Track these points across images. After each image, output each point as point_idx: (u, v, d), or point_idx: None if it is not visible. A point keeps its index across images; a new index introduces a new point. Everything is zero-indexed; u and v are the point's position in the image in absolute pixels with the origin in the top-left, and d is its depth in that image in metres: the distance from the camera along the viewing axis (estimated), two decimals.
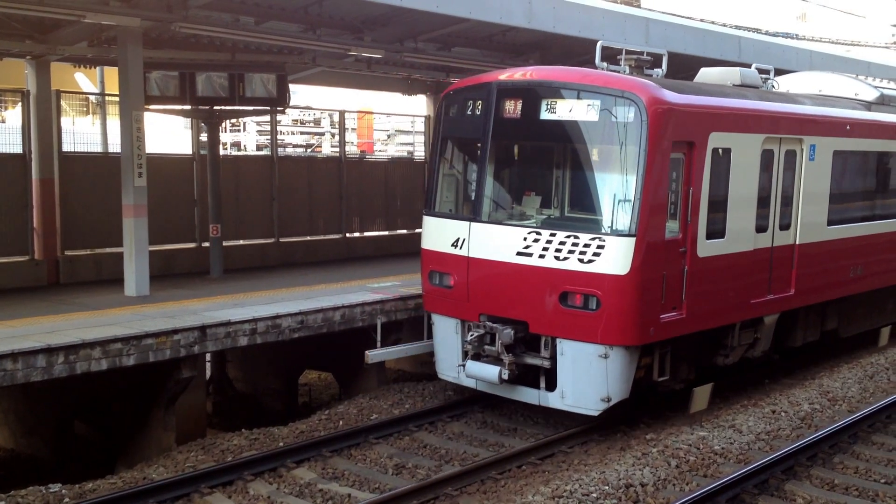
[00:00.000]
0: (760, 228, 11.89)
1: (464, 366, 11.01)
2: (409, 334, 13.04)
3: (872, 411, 10.84)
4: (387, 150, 32.68)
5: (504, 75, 11.14)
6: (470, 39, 15.37)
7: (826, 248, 13.26)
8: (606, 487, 8.44)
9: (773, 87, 13.32)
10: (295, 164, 18.84)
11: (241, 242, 16.81)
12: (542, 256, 10.37)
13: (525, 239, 10.53)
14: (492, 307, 10.78)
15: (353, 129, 30.02)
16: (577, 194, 10.84)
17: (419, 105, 20.91)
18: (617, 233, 10.02)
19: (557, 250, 10.28)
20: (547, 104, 10.57)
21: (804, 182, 12.65)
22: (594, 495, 8.25)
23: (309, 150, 29.02)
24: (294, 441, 10.46)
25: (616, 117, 10.10)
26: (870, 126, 14.41)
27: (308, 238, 17.82)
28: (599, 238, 10.08)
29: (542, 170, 11.25)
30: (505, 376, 10.46)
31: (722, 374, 12.48)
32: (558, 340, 10.36)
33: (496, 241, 10.79)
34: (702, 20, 21.25)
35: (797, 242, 12.65)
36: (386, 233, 19.33)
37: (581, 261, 10.12)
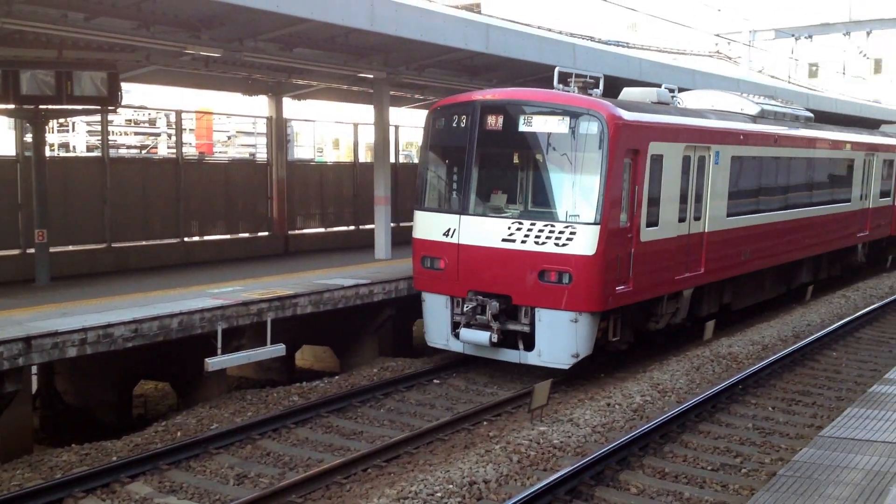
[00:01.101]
0: (681, 219, 14.56)
1: (456, 334, 13.25)
2: (251, 340, 12.77)
3: (699, 401, 11.42)
4: (227, 151, 31.88)
5: (486, 95, 13.60)
6: (312, 40, 15.20)
7: (726, 236, 16.07)
8: (451, 486, 8.54)
9: (678, 103, 15.91)
10: (129, 165, 18.08)
11: (70, 248, 15.97)
12: (523, 242, 12.73)
13: (509, 228, 12.89)
14: (479, 284, 13.07)
15: (191, 129, 29.10)
16: (551, 191, 13.08)
17: (261, 106, 20.52)
18: (585, 222, 12.45)
19: (537, 237, 12.67)
20: (524, 119, 12.97)
21: (711, 182, 15.36)
22: (439, 494, 8.33)
23: (144, 152, 27.91)
24: (128, 455, 10.02)
25: (583, 130, 12.59)
26: (756, 135, 17.20)
27: (144, 243, 17.15)
28: (571, 226, 12.51)
29: (520, 171, 13.27)
30: (494, 340, 12.77)
31: (651, 337, 15.17)
32: (537, 310, 12.75)
33: (483, 230, 13.10)
34: (539, 27, 21.82)
35: (706, 231, 15.36)
36: (227, 236, 18.86)
37: (556, 245, 12.54)
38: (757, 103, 18.37)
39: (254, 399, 12.21)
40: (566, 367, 12.82)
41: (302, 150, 30.63)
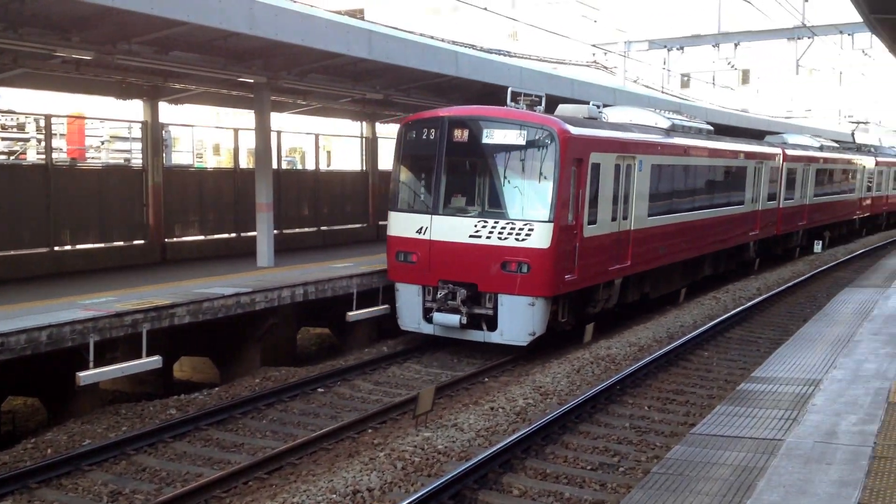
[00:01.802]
0: (613, 218, 16.75)
1: (429, 318, 15.16)
2: (126, 353, 12.33)
3: (579, 403, 11.67)
4: (101, 157, 30.75)
5: (453, 111, 15.63)
6: (190, 44, 14.84)
7: (647, 233, 18.36)
8: (334, 496, 8.46)
9: (604, 117, 17.99)
10: None
11: None
12: (488, 237, 14.76)
13: (475, 226, 14.89)
14: (449, 275, 15.02)
15: (62, 134, 27.93)
16: (510, 194, 15.02)
17: (136, 110, 19.87)
18: (541, 220, 14.53)
19: (499, 233, 14.72)
20: (487, 132, 14.95)
21: (635, 186, 17.59)
22: None
23: (12, 158, 26.64)
24: None
25: (538, 142, 14.70)
26: (670, 146, 19.55)
27: (11, 252, 16.34)
28: (529, 224, 14.59)
29: (484, 177, 15.25)
30: (464, 321, 14.77)
31: (591, 319, 17.00)
32: (499, 295, 14.78)
33: (452, 228, 15.05)
34: (421, 34, 21.94)
35: (631, 228, 17.58)
36: (101, 245, 18.17)
37: (517, 240, 14.62)
38: (668, 118, 20.66)
39: (129, 413, 11.81)
40: (525, 344, 14.85)
41: (181, 155, 29.84)
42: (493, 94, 15.77)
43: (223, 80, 17.49)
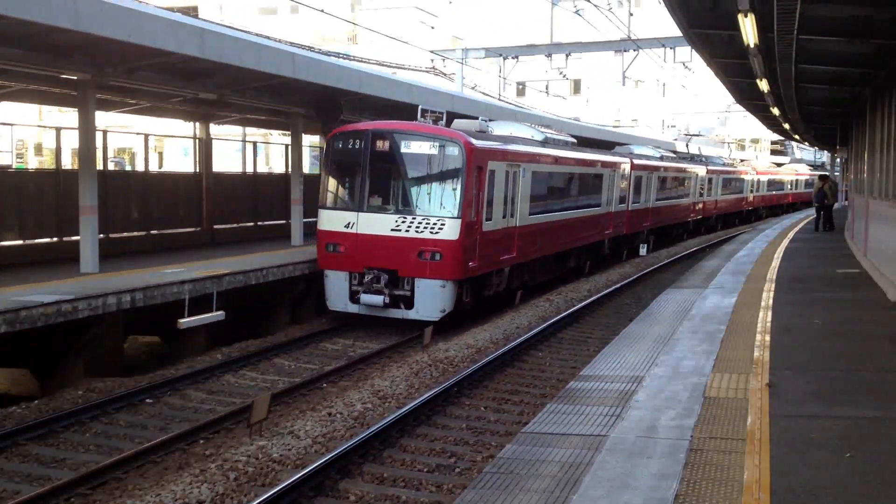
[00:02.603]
0: (504, 216, 19.74)
1: (356, 300, 17.72)
2: None
3: (417, 405, 11.74)
4: None
5: (376, 125, 18.47)
6: (7, 38, 13.95)
7: (528, 230, 21.37)
8: None
9: (491, 130, 20.95)
10: None
11: None
12: (407, 231, 17.53)
13: (396, 221, 17.62)
14: (373, 262, 17.65)
15: None
16: (425, 194, 17.95)
17: None
18: (451, 216, 17.42)
19: (417, 227, 17.49)
20: (405, 143, 17.76)
21: (520, 190, 20.56)
22: None
23: None
24: None
25: (448, 152, 17.61)
26: (545, 156, 22.82)
27: None
28: (441, 220, 17.42)
29: (403, 180, 18.05)
30: (386, 301, 17.47)
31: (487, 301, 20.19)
32: (416, 279, 17.49)
33: (376, 223, 17.71)
34: (258, 34, 21.54)
35: (517, 225, 20.58)
36: None
37: (431, 233, 17.42)
38: (542, 132, 24.14)
39: None
40: (436, 319, 17.47)
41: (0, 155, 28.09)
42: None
43: (46, 77, 16.57)
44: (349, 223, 17.82)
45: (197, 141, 24.74)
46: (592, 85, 72.11)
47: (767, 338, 11.85)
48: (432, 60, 39.28)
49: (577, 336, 17.67)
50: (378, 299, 17.47)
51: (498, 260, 19.70)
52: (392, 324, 18.10)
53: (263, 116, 24.76)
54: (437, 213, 17.48)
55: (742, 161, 62.42)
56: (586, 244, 27.38)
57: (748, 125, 71.53)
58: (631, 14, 39.99)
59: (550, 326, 17.70)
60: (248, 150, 28.05)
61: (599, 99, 73.37)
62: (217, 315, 16.10)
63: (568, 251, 25.73)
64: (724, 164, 51.85)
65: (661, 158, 37.35)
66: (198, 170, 24.50)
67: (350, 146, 18.08)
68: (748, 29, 12.14)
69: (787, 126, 35.35)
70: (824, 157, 73.62)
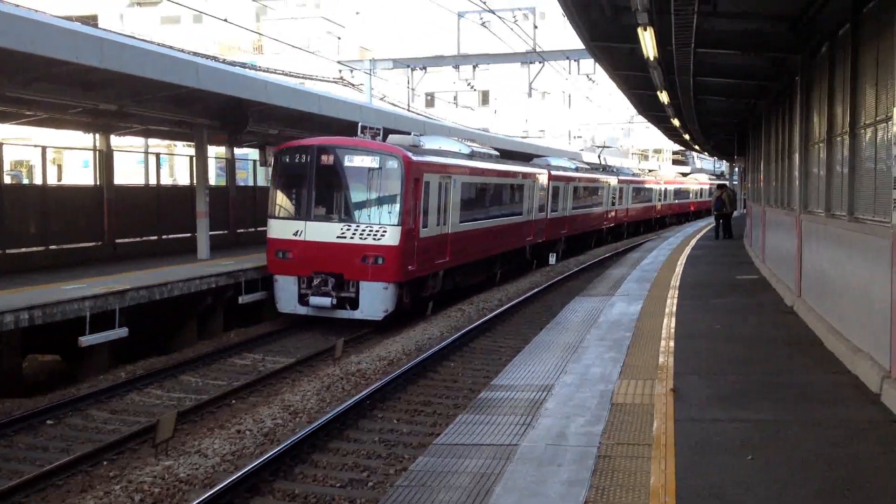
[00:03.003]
0: (438, 224, 21.36)
1: (305, 302, 19.18)
2: None
3: (328, 420, 11.63)
4: None
5: (321, 141, 19.90)
6: None
7: (459, 236, 23.03)
8: None
9: (423, 144, 22.00)
10: None
11: None
12: (352, 238, 19.04)
13: (341, 228, 19.17)
14: (320, 267, 19.12)
15: None
16: (368, 204, 19.45)
17: None
18: (391, 224, 19.01)
19: (361, 234, 19.02)
20: (348, 157, 19.36)
21: (451, 199, 22.24)
22: None
23: None
24: None
25: (389, 166, 19.20)
26: (472, 168, 24.62)
27: None
28: (383, 227, 18.99)
29: (347, 191, 19.59)
30: (334, 303, 18.96)
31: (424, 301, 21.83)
32: (360, 282, 18.99)
33: (323, 231, 19.26)
34: (160, 44, 21.10)
35: (449, 232, 22.24)
36: None
37: (374, 239, 18.95)
38: (468, 146, 26.07)
39: None
40: (380, 318, 19.06)
41: None
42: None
43: None
44: (297, 231, 19.34)
45: (97, 153, 24.04)
46: (500, 96, 73.02)
47: (672, 343, 12.15)
48: (340, 71, 39.11)
49: (489, 345, 17.78)
50: (326, 301, 18.91)
51: (434, 264, 21.27)
52: (337, 325, 19.65)
53: (167, 127, 24.20)
54: (379, 221, 19.05)
55: (650, 171, 64.81)
56: (510, 249, 29.25)
57: (651, 136, 73.53)
58: (536, 27, 40.58)
59: (462, 336, 17.78)
60: (150, 161, 27.42)
61: (507, 110, 74.30)
62: (120, 332, 15.66)
63: (494, 256, 27.41)
64: (633, 175, 54.90)
65: (577, 170, 39.70)
66: (98, 182, 23.81)
67: (297, 160, 19.56)
68: (648, 42, 12.44)
69: (687, 137, 36.44)
70: (724, 166, 76.13)
